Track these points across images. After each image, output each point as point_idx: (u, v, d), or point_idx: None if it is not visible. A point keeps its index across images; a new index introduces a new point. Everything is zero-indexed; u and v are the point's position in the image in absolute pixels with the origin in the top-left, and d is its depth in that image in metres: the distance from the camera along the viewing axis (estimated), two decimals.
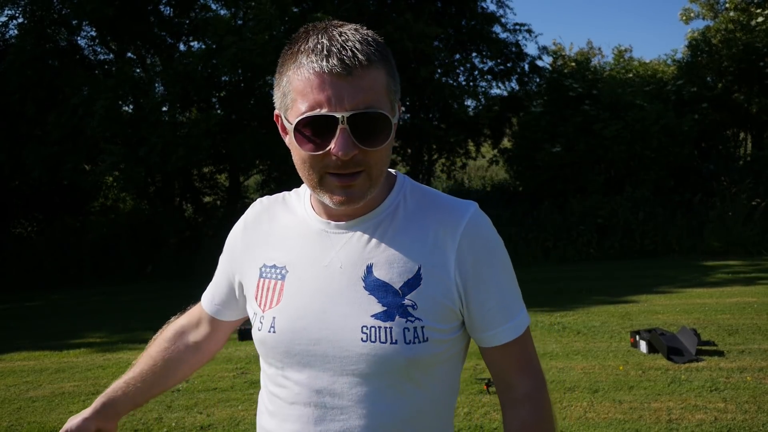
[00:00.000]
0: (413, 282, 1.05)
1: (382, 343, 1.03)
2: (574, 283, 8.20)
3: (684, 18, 15.11)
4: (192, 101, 11.65)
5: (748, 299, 6.64)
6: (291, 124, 1.00)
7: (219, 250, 1.29)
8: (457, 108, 13.04)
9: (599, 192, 11.30)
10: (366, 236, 1.09)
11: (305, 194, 1.18)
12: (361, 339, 1.03)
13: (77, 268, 11.46)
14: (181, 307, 1.39)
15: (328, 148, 0.97)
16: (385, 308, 1.04)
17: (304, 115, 0.97)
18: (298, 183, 1.18)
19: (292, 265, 1.11)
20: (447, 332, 1.08)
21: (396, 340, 1.03)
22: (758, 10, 12.60)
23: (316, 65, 0.96)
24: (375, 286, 1.06)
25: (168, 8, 12.49)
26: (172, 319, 1.39)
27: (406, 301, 1.05)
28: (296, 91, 0.98)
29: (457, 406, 4.03)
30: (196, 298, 1.38)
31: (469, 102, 13.85)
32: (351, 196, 1.01)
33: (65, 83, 10.73)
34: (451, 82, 13.33)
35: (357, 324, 1.04)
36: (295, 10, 10.95)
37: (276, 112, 1.08)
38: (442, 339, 1.07)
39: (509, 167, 13.62)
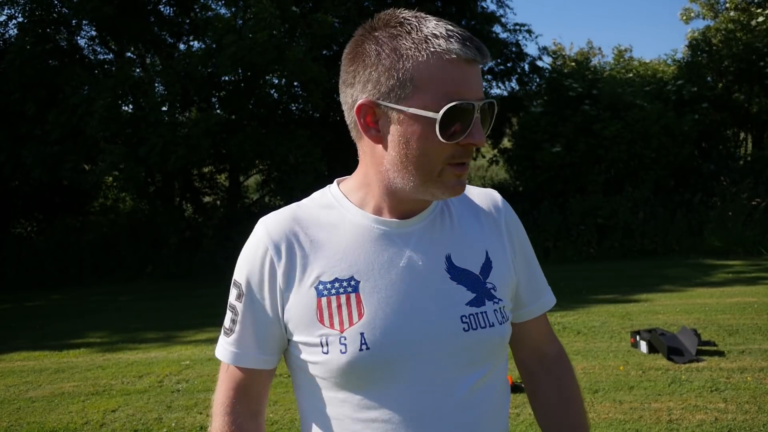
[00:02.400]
0: (487, 265, 1.10)
1: (483, 328, 1.04)
2: (574, 283, 8.20)
3: (684, 18, 15.11)
4: (192, 101, 11.65)
5: (748, 299, 6.64)
6: (422, 112, 0.94)
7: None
8: None
9: (599, 192, 11.30)
10: (432, 230, 1.08)
11: (339, 199, 1.08)
12: (464, 329, 1.03)
13: (77, 268, 11.47)
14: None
15: (463, 137, 0.96)
16: (474, 294, 1.06)
17: (456, 102, 0.93)
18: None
19: (361, 273, 1.02)
20: (512, 310, 1.16)
21: (492, 323, 1.06)
22: (758, 10, 12.60)
23: (460, 51, 0.93)
24: (460, 275, 1.07)
25: (168, 8, 12.49)
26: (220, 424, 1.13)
27: (488, 285, 1.08)
28: (430, 77, 0.94)
29: None
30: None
31: None
32: (462, 185, 1.02)
33: (65, 83, 10.74)
34: None
35: (456, 315, 1.03)
36: (295, 9, 10.94)
37: (366, 100, 0.99)
38: (511, 316, 1.15)
39: (509, 167, 13.62)
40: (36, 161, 10.63)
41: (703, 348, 4.86)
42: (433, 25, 0.95)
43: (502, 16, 14.20)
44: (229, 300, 1.09)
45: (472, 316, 1.04)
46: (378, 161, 1.02)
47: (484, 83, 14.44)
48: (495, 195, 1.20)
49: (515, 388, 4.23)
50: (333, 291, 1.01)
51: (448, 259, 1.07)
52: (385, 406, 1.00)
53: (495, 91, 14.91)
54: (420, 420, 1.00)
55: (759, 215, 10.23)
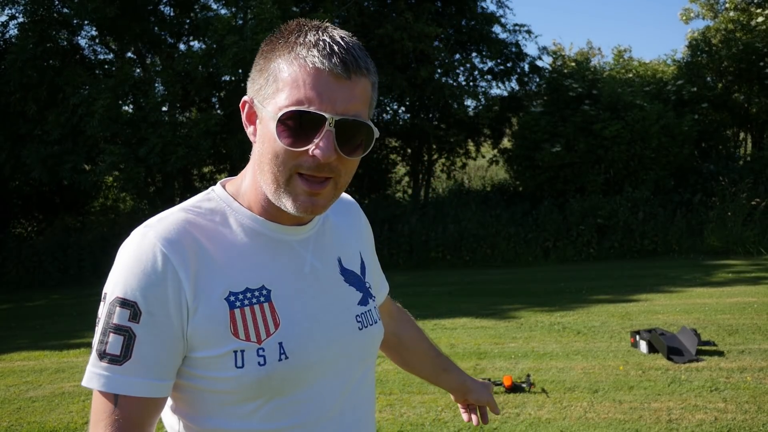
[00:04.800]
0: (362, 266, 1.17)
1: (371, 325, 1.11)
2: (574, 283, 8.20)
3: (684, 18, 15.11)
4: (192, 101, 11.65)
5: (748, 299, 6.64)
6: (272, 113, 0.94)
7: None
8: (457, 108, 13.04)
9: (599, 192, 11.30)
10: (323, 235, 1.11)
11: (231, 204, 1.04)
12: (358, 328, 1.09)
13: (77, 268, 11.47)
14: None
15: (307, 147, 0.93)
16: (361, 294, 1.13)
17: (294, 108, 0.92)
18: None
19: (271, 281, 1.01)
20: None
21: (376, 320, 1.14)
22: (758, 10, 12.60)
23: (317, 61, 0.92)
24: (350, 277, 1.13)
25: (168, 8, 12.49)
26: None
27: (366, 284, 1.16)
28: (286, 81, 0.93)
29: (457, 406, 4.03)
30: None
31: (469, 102, 13.86)
32: (315, 205, 0.98)
33: (65, 83, 10.74)
34: (451, 82, 13.32)
35: (351, 316, 1.09)
36: (295, 9, 10.95)
37: (247, 98, 1.01)
38: None
39: (509, 167, 13.61)
40: (36, 161, 10.63)
41: (703, 348, 4.86)
42: (312, 35, 0.95)
43: (501, 16, 14.18)
44: (114, 321, 0.93)
45: (362, 315, 1.10)
46: (255, 161, 1.02)
47: (484, 83, 14.45)
48: (354, 201, 1.27)
49: (515, 388, 4.24)
50: (246, 302, 0.97)
51: (339, 262, 1.12)
52: (295, 412, 1.00)
53: (495, 91, 14.93)
54: (324, 421, 1.03)
55: (759, 215, 10.23)
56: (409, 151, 14.64)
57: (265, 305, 0.99)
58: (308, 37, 0.95)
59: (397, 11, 12.39)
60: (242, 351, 0.96)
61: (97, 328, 0.96)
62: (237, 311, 0.97)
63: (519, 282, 8.87)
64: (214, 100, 12.02)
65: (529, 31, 14.14)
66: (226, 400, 0.98)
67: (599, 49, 18.05)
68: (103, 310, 0.95)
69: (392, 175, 14.87)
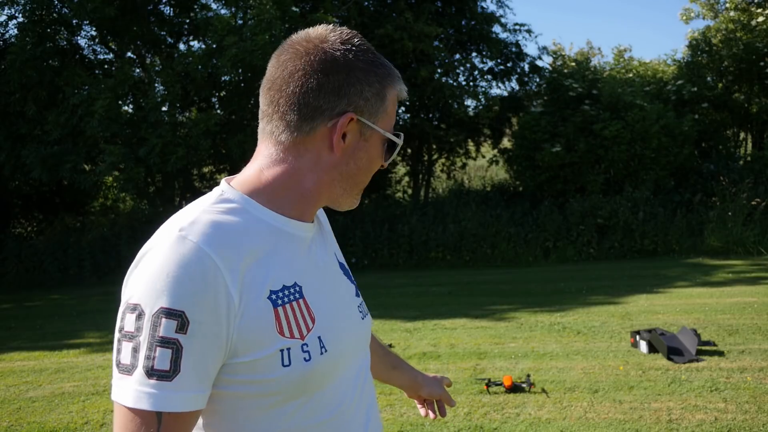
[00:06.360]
0: (342, 262, 1.22)
1: (366, 315, 1.18)
2: (574, 283, 8.20)
3: (684, 18, 15.10)
4: (192, 101, 11.64)
5: (748, 299, 6.64)
6: (385, 133, 1.07)
7: None
8: (457, 108, 13.04)
9: (599, 192, 11.30)
10: (320, 232, 1.16)
11: (249, 202, 1.02)
12: (361, 318, 1.15)
13: (77, 268, 11.47)
14: None
15: (382, 162, 1.10)
16: (354, 286, 1.19)
17: (400, 135, 1.10)
18: None
19: (300, 278, 1.02)
20: None
21: (368, 311, 1.20)
22: (758, 10, 12.60)
23: (403, 94, 1.09)
24: (345, 270, 1.19)
25: (168, 8, 12.49)
26: None
27: (352, 279, 1.22)
28: (387, 107, 1.06)
29: (457, 406, 4.03)
30: None
31: (469, 102, 13.86)
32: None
33: (65, 83, 10.74)
34: (451, 82, 13.32)
35: (355, 305, 1.15)
36: (295, 9, 10.95)
37: (352, 114, 1.01)
38: None
39: (509, 167, 13.62)
40: (36, 161, 10.62)
41: (703, 348, 4.86)
42: (389, 62, 1.08)
43: (501, 16, 14.20)
44: (160, 333, 0.88)
45: (360, 306, 1.17)
46: (325, 168, 1.03)
47: (484, 83, 14.51)
48: None
49: (515, 388, 4.24)
50: (285, 299, 0.98)
51: (336, 256, 1.19)
52: (328, 405, 1.04)
53: (495, 91, 14.94)
54: (349, 411, 1.08)
55: (759, 215, 10.23)
56: (409, 151, 14.63)
57: (300, 301, 1.01)
58: (390, 66, 1.08)
59: (397, 11, 12.39)
60: (288, 349, 0.97)
61: (125, 342, 0.90)
62: (280, 309, 0.97)
63: (519, 282, 8.87)
64: (214, 100, 12.01)
65: (529, 31, 14.15)
66: (269, 403, 0.97)
67: (599, 49, 18.05)
68: (144, 323, 0.89)
69: (392, 175, 14.87)
